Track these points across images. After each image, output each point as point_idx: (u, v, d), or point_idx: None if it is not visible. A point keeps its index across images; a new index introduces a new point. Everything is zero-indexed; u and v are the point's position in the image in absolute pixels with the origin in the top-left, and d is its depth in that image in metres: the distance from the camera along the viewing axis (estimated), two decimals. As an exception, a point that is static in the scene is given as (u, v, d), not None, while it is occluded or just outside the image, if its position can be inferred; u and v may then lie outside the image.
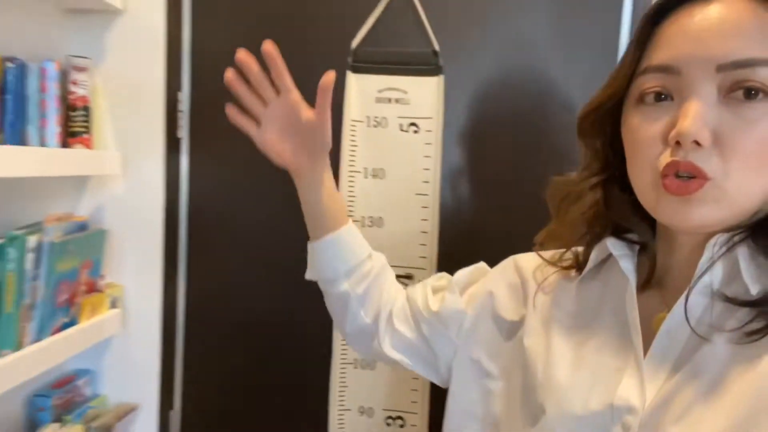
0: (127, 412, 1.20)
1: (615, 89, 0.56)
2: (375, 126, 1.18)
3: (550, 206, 0.66)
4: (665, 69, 0.51)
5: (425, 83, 1.16)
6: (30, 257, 0.94)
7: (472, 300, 0.75)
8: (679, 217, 0.51)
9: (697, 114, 0.48)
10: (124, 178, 1.22)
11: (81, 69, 1.09)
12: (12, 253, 0.90)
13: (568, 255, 0.66)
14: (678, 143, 0.49)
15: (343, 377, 1.20)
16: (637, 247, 0.61)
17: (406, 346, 0.79)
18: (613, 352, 0.56)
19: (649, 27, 0.54)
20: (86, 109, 1.10)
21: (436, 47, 1.15)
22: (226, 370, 1.25)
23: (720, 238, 0.52)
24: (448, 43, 1.16)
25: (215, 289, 1.25)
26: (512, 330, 0.69)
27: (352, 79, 1.17)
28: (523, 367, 0.64)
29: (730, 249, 0.51)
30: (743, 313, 0.50)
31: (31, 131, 0.96)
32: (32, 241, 0.94)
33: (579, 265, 0.65)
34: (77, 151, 1.07)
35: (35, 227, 0.98)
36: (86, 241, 1.09)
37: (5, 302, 0.90)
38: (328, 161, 0.78)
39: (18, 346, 0.93)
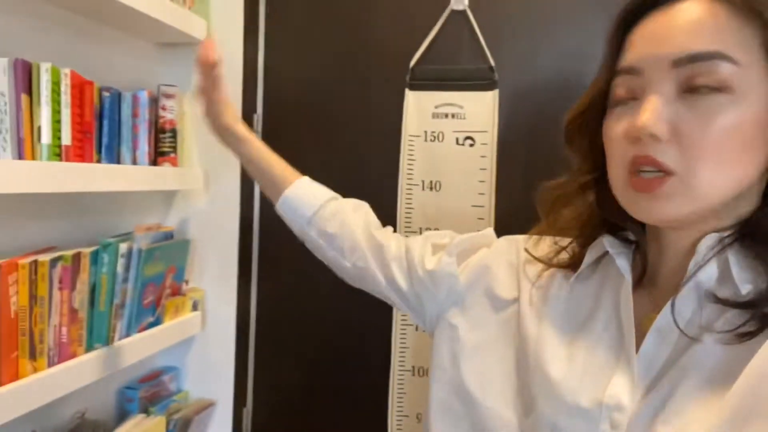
0: (205, 407, 1.31)
1: (594, 94, 0.58)
2: (432, 140, 1.22)
3: (540, 211, 0.67)
4: (630, 70, 0.54)
5: (481, 98, 1.19)
6: (121, 262, 1.06)
7: (468, 269, 0.75)
8: (648, 214, 0.53)
9: (653, 108, 0.50)
10: (206, 192, 1.34)
11: (169, 96, 1.23)
12: (105, 258, 1.03)
13: (564, 254, 0.66)
14: (639, 139, 0.51)
15: (401, 384, 1.24)
16: (632, 246, 0.61)
17: (397, 292, 0.81)
18: (606, 349, 0.57)
19: (620, 33, 0.57)
20: (173, 131, 1.23)
21: (492, 63, 1.18)
22: (292, 371, 1.33)
23: (709, 239, 0.52)
24: (503, 57, 1.18)
25: (283, 295, 1.33)
26: (503, 306, 0.69)
27: (410, 97, 1.22)
28: (517, 349, 0.65)
29: (720, 250, 0.51)
30: (733, 315, 0.50)
31: (125, 151, 1.09)
32: (123, 248, 1.07)
33: (574, 264, 0.65)
34: (164, 169, 1.20)
35: (127, 236, 1.11)
36: (171, 249, 1.22)
37: (99, 302, 1.03)
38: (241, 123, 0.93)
39: (109, 341, 1.05)
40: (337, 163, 1.29)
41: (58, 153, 0.92)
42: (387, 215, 1.23)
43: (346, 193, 1.25)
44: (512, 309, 0.68)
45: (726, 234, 0.52)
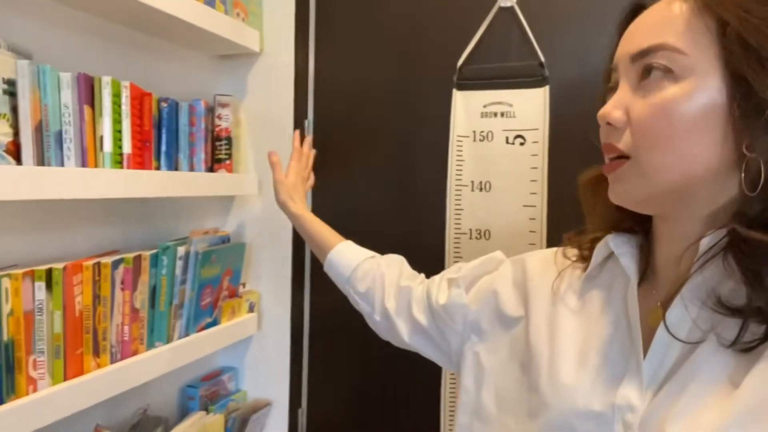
0: (262, 406, 1.35)
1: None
2: (481, 140, 1.20)
3: (581, 201, 0.68)
4: (613, 68, 0.59)
5: (531, 95, 1.17)
6: (179, 265, 1.11)
7: (478, 296, 0.77)
8: (613, 196, 0.58)
9: (613, 99, 0.56)
10: (260, 198, 1.38)
11: (225, 105, 1.28)
12: (164, 260, 1.08)
13: (574, 251, 0.69)
14: (604, 128, 0.57)
15: (453, 390, 1.22)
16: (638, 243, 0.62)
17: (422, 334, 0.84)
18: (617, 350, 0.58)
19: (621, 33, 0.60)
20: (228, 139, 1.28)
21: (542, 59, 1.15)
22: (345, 373, 1.34)
23: (710, 238, 0.52)
24: (553, 53, 1.15)
25: (336, 297, 1.34)
26: (512, 324, 0.71)
27: (458, 97, 1.21)
28: (523, 363, 0.65)
29: (720, 251, 0.51)
30: (736, 322, 0.49)
31: (182, 159, 1.14)
32: (181, 251, 1.12)
33: (585, 261, 0.67)
34: (220, 175, 1.25)
35: (185, 240, 1.16)
36: (227, 252, 1.26)
37: (159, 302, 1.08)
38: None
39: (169, 340, 1.10)
40: (386, 166, 1.29)
41: (119, 161, 0.98)
42: (436, 217, 1.23)
43: (395, 197, 1.26)
44: (521, 325, 0.69)
45: (725, 233, 0.51)
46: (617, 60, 0.57)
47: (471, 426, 0.70)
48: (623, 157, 0.55)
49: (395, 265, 0.94)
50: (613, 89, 0.58)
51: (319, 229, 1.03)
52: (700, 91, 0.50)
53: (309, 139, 1.23)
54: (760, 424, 0.45)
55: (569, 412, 0.57)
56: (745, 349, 0.48)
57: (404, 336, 0.85)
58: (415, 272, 0.94)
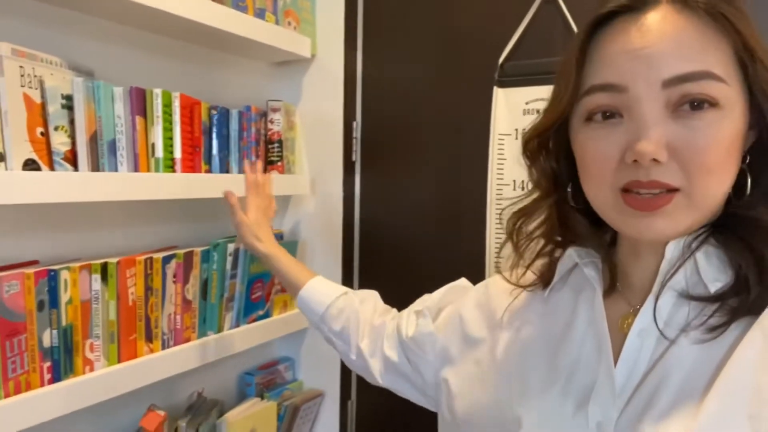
0: (313, 397, 1.41)
1: (561, 111, 0.55)
2: (523, 138, 1.18)
3: (506, 232, 0.65)
4: (611, 87, 0.51)
5: (574, 90, 1.12)
6: (229, 260, 1.20)
7: (443, 323, 0.76)
8: (645, 231, 0.52)
9: (652, 132, 0.49)
10: (313, 197, 1.44)
11: (276, 110, 1.35)
12: (215, 256, 1.17)
13: (529, 275, 0.65)
14: (636, 162, 0.50)
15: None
16: (601, 254, 0.60)
17: (395, 371, 0.82)
18: (586, 361, 0.57)
19: (586, 45, 0.54)
20: (280, 141, 1.35)
21: (586, 51, 1.11)
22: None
23: (680, 240, 0.52)
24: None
25: (382, 291, 1.37)
26: (477, 344, 0.70)
27: (500, 94, 1.19)
28: (492, 383, 0.64)
29: (691, 250, 0.51)
30: (705, 312, 0.51)
31: (232, 162, 1.22)
32: (231, 247, 1.20)
33: (544, 279, 0.64)
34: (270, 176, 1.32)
35: (235, 237, 1.24)
36: (279, 249, 1.33)
37: (210, 294, 1.17)
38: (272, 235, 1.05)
39: (219, 330, 1.19)
40: (430, 165, 1.30)
41: (170, 165, 1.07)
42: (477, 217, 1.22)
43: (437, 196, 1.26)
44: (485, 345, 0.68)
45: (697, 234, 0.52)
46: (625, 81, 0.50)
47: None
48: (670, 191, 0.51)
49: (369, 301, 0.92)
50: (609, 115, 0.52)
51: (289, 265, 0.98)
52: (738, 121, 0.50)
53: (259, 164, 1.12)
54: (731, 428, 0.46)
55: (543, 425, 0.56)
56: (711, 334, 0.49)
57: (377, 376, 0.84)
58: (387, 307, 0.92)
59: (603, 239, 0.61)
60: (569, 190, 0.60)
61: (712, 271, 0.52)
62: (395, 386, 0.84)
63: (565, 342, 0.60)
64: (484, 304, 0.72)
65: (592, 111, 0.53)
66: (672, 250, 0.53)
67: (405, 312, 0.86)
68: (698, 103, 0.49)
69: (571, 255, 0.61)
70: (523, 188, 1.18)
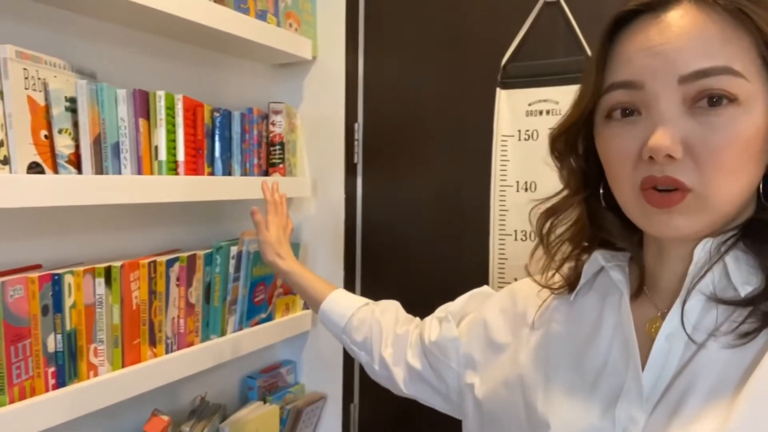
0: (316, 400, 1.40)
1: (583, 108, 0.56)
2: (526, 139, 1.18)
3: (536, 232, 0.64)
4: (629, 84, 0.52)
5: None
6: (232, 263, 1.19)
7: (467, 328, 0.76)
8: (665, 229, 0.52)
9: (666, 128, 0.49)
10: (315, 199, 1.44)
11: (278, 112, 1.34)
12: (218, 259, 1.16)
13: (557, 277, 0.65)
14: (651, 158, 0.50)
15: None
16: (627, 255, 0.60)
17: (419, 379, 0.81)
18: (613, 363, 0.57)
19: (607, 44, 0.54)
20: (281, 144, 1.34)
21: (589, 53, 1.11)
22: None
23: (708, 243, 0.51)
24: (601, 47, 1.11)
25: (385, 293, 1.37)
26: (502, 350, 0.70)
27: (502, 95, 1.20)
28: (518, 388, 0.64)
29: (720, 254, 0.51)
30: (735, 316, 0.50)
31: (235, 164, 1.22)
32: (233, 250, 1.19)
33: (570, 283, 0.64)
34: (272, 178, 1.32)
35: (238, 240, 1.23)
36: (281, 251, 1.33)
37: (213, 298, 1.16)
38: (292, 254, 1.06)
39: (222, 333, 1.18)
40: (432, 167, 1.30)
41: (173, 168, 1.06)
42: (481, 218, 1.22)
43: (437, 198, 1.26)
44: (510, 350, 0.69)
45: (726, 237, 0.52)
46: (642, 77, 0.50)
47: None
48: (675, 188, 0.50)
49: (390, 311, 0.91)
50: (629, 112, 0.52)
51: (310, 279, 1.00)
52: (758, 116, 0.49)
53: (276, 184, 1.15)
54: (755, 424, 0.45)
55: (570, 429, 0.56)
56: (743, 340, 0.49)
57: (401, 385, 0.83)
58: (410, 316, 0.92)
59: (633, 240, 0.60)
60: (601, 190, 0.59)
61: (742, 275, 0.51)
62: (419, 395, 0.83)
63: (591, 346, 0.59)
64: (509, 309, 0.72)
65: (612, 108, 0.53)
66: (700, 252, 0.52)
67: (428, 319, 0.85)
68: (716, 99, 0.48)
69: (596, 258, 0.61)
70: (526, 189, 1.18)
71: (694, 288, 0.52)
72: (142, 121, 1.00)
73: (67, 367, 0.90)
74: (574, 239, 0.62)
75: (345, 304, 0.93)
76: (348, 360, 1.41)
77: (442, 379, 0.78)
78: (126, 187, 0.95)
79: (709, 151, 0.48)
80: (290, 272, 1.01)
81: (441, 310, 0.84)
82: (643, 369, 0.53)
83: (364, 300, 0.95)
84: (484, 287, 0.84)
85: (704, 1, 0.50)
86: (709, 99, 0.48)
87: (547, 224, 0.63)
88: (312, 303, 0.99)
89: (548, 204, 0.63)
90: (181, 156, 1.07)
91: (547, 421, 0.58)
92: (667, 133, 0.49)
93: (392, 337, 0.86)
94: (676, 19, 0.50)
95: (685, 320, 0.52)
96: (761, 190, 0.51)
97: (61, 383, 0.89)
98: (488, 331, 0.73)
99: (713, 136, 0.48)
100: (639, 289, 0.59)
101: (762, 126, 0.49)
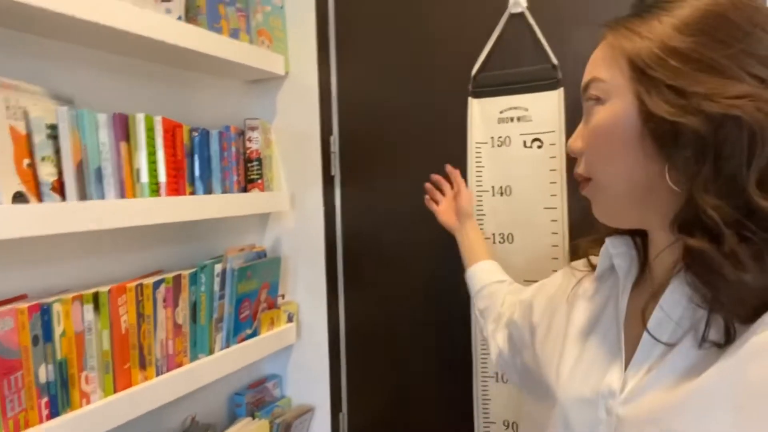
0: (304, 412, 1.41)
1: None
2: (499, 146, 1.22)
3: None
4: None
5: (546, 98, 1.18)
6: (217, 281, 1.19)
7: (522, 312, 0.86)
8: (594, 213, 0.64)
9: (576, 132, 0.65)
10: (294, 212, 1.45)
11: (254, 128, 1.35)
12: (203, 278, 1.16)
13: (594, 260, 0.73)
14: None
15: (485, 390, 1.24)
16: (638, 244, 0.66)
17: (502, 357, 0.91)
18: (609, 346, 0.63)
19: None
20: (259, 159, 1.35)
21: (554, 61, 1.16)
22: (382, 377, 1.39)
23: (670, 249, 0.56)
24: (566, 55, 1.16)
25: (368, 303, 1.40)
26: (536, 330, 0.79)
27: (474, 104, 1.24)
28: (543, 366, 0.73)
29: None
30: (704, 318, 0.53)
31: (215, 182, 1.22)
32: (218, 268, 1.19)
33: (594, 268, 0.72)
34: (252, 194, 1.33)
35: (222, 257, 1.24)
36: (263, 266, 1.33)
37: (200, 317, 1.16)
38: (473, 219, 1.16)
39: (210, 352, 1.18)
40: (409, 176, 1.33)
41: (155, 189, 1.06)
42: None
43: (420, 205, 1.29)
44: (541, 329, 0.78)
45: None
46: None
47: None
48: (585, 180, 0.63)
49: (512, 292, 1.00)
50: None
51: (468, 245, 1.13)
52: (620, 112, 0.57)
53: (460, 180, 1.21)
54: (710, 411, 0.49)
55: (569, 401, 0.64)
56: (712, 345, 0.52)
57: (492, 355, 0.95)
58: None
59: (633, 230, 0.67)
60: None
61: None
62: (503, 369, 0.93)
63: (596, 327, 0.66)
64: (553, 292, 0.80)
65: None
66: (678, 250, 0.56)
67: (518, 301, 0.92)
68: (590, 102, 0.61)
69: (606, 245, 0.67)
70: (501, 194, 1.22)
71: (673, 281, 0.56)
72: (122, 145, 1.00)
73: (60, 396, 0.89)
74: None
75: (485, 276, 1.06)
76: (335, 369, 1.43)
77: (514, 359, 0.88)
78: (111, 212, 0.95)
79: (585, 142, 0.62)
80: (456, 231, 1.16)
81: (525, 291, 0.92)
82: (633, 355, 0.59)
83: (503, 277, 1.06)
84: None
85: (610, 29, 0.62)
86: (587, 103, 0.62)
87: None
88: (467, 261, 1.12)
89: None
90: (162, 177, 1.07)
91: (556, 395, 0.66)
92: (573, 136, 0.65)
93: (496, 314, 0.98)
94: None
95: (671, 314, 0.56)
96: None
97: (54, 413, 0.88)
98: (531, 314, 0.82)
99: (586, 129, 0.62)
100: (645, 277, 0.65)
101: (627, 121, 0.57)
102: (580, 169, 0.63)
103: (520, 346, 0.85)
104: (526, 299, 0.87)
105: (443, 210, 1.20)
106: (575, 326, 0.69)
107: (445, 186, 1.22)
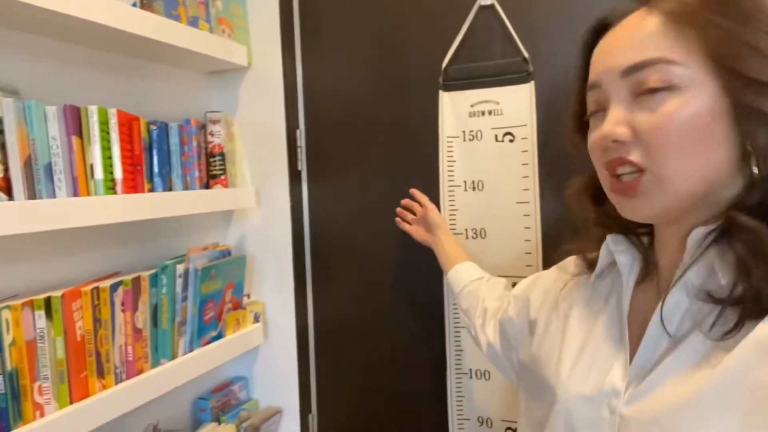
0: (272, 414, 1.37)
1: (574, 109, 0.66)
2: (471, 140, 1.20)
3: (575, 214, 0.71)
4: (593, 86, 0.60)
5: (517, 91, 1.16)
6: (179, 282, 1.14)
7: (518, 308, 0.84)
8: (632, 213, 0.57)
9: (611, 116, 0.56)
10: (259, 209, 1.40)
11: (216, 121, 1.29)
12: (164, 279, 1.11)
13: (581, 262, 0.72)
14: (607, 146, 0.57)
15: (459, 387, 1.23)
16: (640, 242, 0.64)
17: (493, 351, 0.91)
18: (611, 344, 0.62)
19: (586, 53, 0.63)
20: (222, 154, 1.29)
21: (525, 54, 1.15)
22: (352, 377, 1.36)
23: (697, 234, 0.54)
24: (537, 48, 1.15)
25: (338, 303, 1.37)
26: (534, 326, 0.77)
27: (445, 98, 1.21)
28: (542, 363, 0.71)
29: (706, 244, 0.53)
30: (714, 311, 0.52)
31: (175, 178, 1.16)
32: (180, 268, 1.14)
33: (592, 266, 0.70)
34: (215, 191, 1.27)
35: (184, 257, 1.18)
36: (228, 266, 1.28)
37: (161, 320, 1.10)
38: (445, 229, 1.16)
39: (173, 356, 1.12)
40: (379, 171, 1.30)
41: (111, 186, 1.00)
42: (430, 219, 1.24)
43: (390, 200, 1.27)
44: (539, 326, 0.76)
45: (712, 227, 0.53)
46: (599, 77, 0.58)
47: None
48: (636, 172, 0.55)
49: (497, 287, 1.00)
50: (599, 110, 0.59)
51: (444, 251, 1.13)
52: (701, 98, 0.52)
53: (424, 198, 1.22)
54: (716, 413, 0.48)
55: (569, 399, 0.63)
56: (721, 337, 0.51)
57: (484, 351, 0.93)
58: (507, 292, 0.97)
59: (641, 226, 0.65)
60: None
61: (727, 266, 0.52)
62: (494, 362, 0.92)
63: (597, 325, 0.65)
64: (549, 287, 0.78)
65: (589, 109, 0.61)
66: (690, 242, 0.54)
67: (510, 296, 0.90)
68: (654, 88, 0.53)
69: (607, 243, 0.65)
70: (474, 189, 1.21)
71: (682, 278, 0.55)
72: (75, 139, 0.93)
73: (10, 409, 0.82)
74: (596, 221, 0.68)
75: (463, 276, 1.06)
76: (304, 370, 1.39)
77: (507, 355, 0.86)
78: (63, 211, 0.88)
79: (650, 131, 0.54)
80: (431, 243, 1.16)
81: (517, 288, 0.91)
82: (637, 351, 0.58)
83: (482, 274, 1.06)
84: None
85: (648, 8, 0.57)
86: (648, 88, 0.54)
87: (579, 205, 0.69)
88: (444, 266, 1.13)
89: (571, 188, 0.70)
90: (118, 173, 1.01)
91: (555, 392, 0.64)
92: (613, 121, 0.55)
93: (482, 310, 0.97)
94: (625, 23, 0.58)
95: (676, 309, 0.55)
96: (754, 171, 0.52)
97: (5, 428, 0.81)
98: (529, 310, 0.80)
99: (652, 117, 0.53)
100: (646, 276, 0.64)
101: (707, 109, 0.52)
102: (632, 157, 0.54)
103: (516, 342, 0.83)
104: (521, 294, 0.85)
105: (415, 229, 1.22)
106: (574, 323, 0.68)
107: (415, 206, 1.23)
